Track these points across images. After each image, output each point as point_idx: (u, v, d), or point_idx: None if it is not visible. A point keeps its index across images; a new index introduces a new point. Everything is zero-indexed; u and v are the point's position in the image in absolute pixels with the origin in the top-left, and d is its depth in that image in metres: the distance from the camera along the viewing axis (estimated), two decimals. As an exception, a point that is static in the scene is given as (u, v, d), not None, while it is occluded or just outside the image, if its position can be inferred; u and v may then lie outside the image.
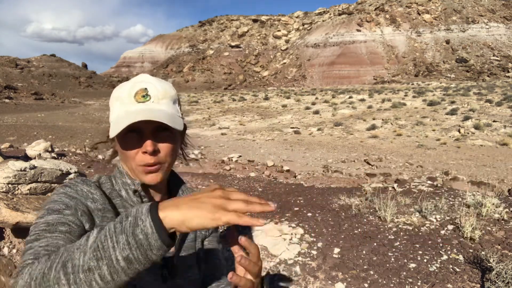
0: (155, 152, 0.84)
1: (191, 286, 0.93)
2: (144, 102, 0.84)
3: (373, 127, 20.55)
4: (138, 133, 0.84)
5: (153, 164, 0.85)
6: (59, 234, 0.73)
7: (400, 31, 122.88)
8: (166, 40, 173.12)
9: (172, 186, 1.02)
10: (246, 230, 3.65)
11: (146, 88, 0.86)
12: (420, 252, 2.98)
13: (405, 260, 2.88)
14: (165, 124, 0.84)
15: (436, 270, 2.70)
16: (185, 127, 0.97)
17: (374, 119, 23.35)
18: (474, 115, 21.60)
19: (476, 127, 18.16)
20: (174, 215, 0.56)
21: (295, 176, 9.15)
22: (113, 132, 0.82)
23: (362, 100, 35.26)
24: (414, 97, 35.04)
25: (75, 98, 58.56)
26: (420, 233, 3.31)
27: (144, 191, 0.91)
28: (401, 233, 3.34)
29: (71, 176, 4.06)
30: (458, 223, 3.35)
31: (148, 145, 0.83)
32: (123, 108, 0.85)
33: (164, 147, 0.86)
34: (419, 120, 21.85)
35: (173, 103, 0.90)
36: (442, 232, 3.28)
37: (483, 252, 2.82)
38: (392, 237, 3.28)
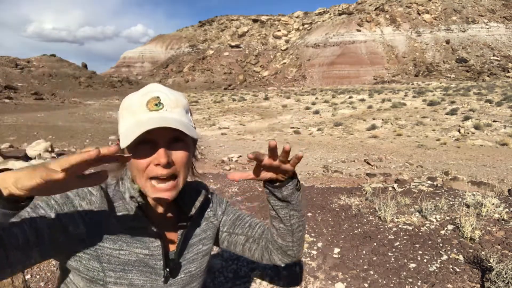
0: (169, 165, 0.81)
1: (191, 278, 0.97)
2: (157, 111, 0.81)
3: (373, 127, 20.56)
4: (151, 144, 0.81)
5: (166, 177, 0.81)
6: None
7: (400, 31, 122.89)
8: (166, 40, 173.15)
9: (182, 194, 0.97)
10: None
11: (158, 97, 0.82)
12: (420, 252, 2.98)
13: (405, 260, 2.88)
14: (180, 134, 0.81)
15: (436, 270, 2.70)
16: (196, 140, 0.94)
17: (374, 119, 23.35)
18: (474, 115, 21.61)
19: (476, 127, 18.17)
20: (7, 177, 0.59)
21: (295, 176, 9.13)
22: (124, 142, 0.78)
23: (362, 100, 35.27)
24: (414, 97, 35.05)
25: (75, 98, 58.57)
26: (420, 233, 3.31)
27: (147, 202, 0.89)
28: (401, 233, 3.34)
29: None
30: (458, 223, 3.35)
31: (162, 156, 0.79)
32: (134, 118, 0.81)
33: (178, 159, 0.83)
34: (419, 120, 21.86)
35: (185, 113, 0.87)
36: (442, 232, 3.28)
37: (483, 252, 2.82)
38: (392, 237, 3.28)
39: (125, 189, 0.88)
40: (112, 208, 0.87)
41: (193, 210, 0.98)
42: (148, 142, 0.80)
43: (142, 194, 0.88)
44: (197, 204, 0.99)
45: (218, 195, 1.15)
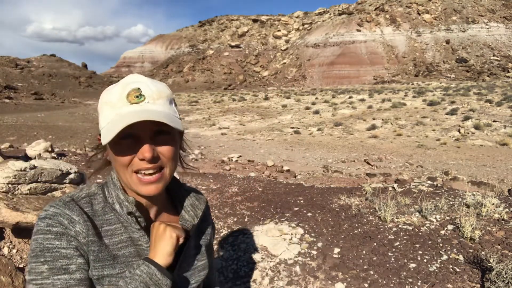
0: (154, 159, 0.77)
1: None
2: (138, 103, 0.76)
3: (373, 127, 20.56)
4: (134, 138, 0.76)
5: (151, 169, 0.77)
6: None
7: (400, 31, 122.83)
8: (166, 40, 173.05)
9: (173, 192, 0.97)
10: (246, 231, 3.65)
11: (139, 88, 0.77)
12: (420, 252, 2.98)
13: (405, 260, 2.88)
14: (164, 127, 0.77)
15: (436, 270, 2.70)
16: (182, 131, 0.89)
17: (374, 119, 23.35)
18: (474, 115, 21.61)
19: (476, 127, 18.17)
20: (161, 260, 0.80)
21: (295, 176, 9.15)
22: (105, 139, 0.73)
23: (362, 100, 35.25)
24: (414, 97, 35.02)
25: (75, 98, 58.56)
26: (420, 233, 3.31)
27: (139, 207, 0.84)
28: (401, 233, 3.34)
29: (71, 176, 4.05)
30: (458, 223, 3.35)
31: (146, 150, 0.75)
32: (114, 112, 0.76)
33: (164, 152, 0.79)
34: (419, 120, 21.86)
35: (169, 104, 0.82)
36: (442, 232, 3.28)
37: (483, 252, 2.82)
38: (392, 237, 3.28)
39: (113, 199, 0.83)
40: (102, 227, 0.81)
41: (196, 220, 0.94)
42: (131, 136, 0.76)
43: (139, 208, 0.84)
44: (199, 212, 0.95)
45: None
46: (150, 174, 0.79)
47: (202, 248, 0.99)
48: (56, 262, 0.73)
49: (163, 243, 0.79)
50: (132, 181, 0.79)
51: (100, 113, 0.80)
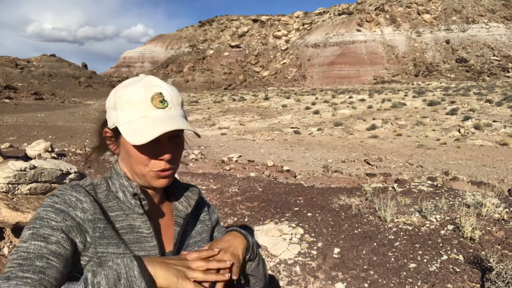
0: (171, 160, 0.86)
1: None
2: (163, 108, 0.83)
3: (373, 127, 20.56)
4: (154, 140, 0.82)
5: (168, 169, 0.86)
6: (32, 274, 0.68)
7: (400, 31, 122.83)
8: (166, 40, 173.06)
9: (168, 186, 1.01)
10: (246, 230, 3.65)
11: (161, 93, 0.83)
12: (420, 252, 2.98)
13: (405, 260, 2.88)
14: (179, 132, 0.87)
15: (436, 270, 2.70)
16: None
17: (374, 119, 23.35)
18: (474, 115, 21.61)
19: (476, 127, 18.17)
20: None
21: (295, 176, 9.14)
22: (138, 139, 0.79)
23: (362, 100, 35.25)
24: (414, 97, 35.03)
25: (75, 98, 58.56)
26: (420, 233, 3.31)
27: (143, 193, 0.89)
28: (401, 233, 3.34)
29: (71, 176, 4.05)
30: (458, 223, 3.35)
31: (168, 153, 0.84)
32: (139, 113, 0.82)
33: (176, 154, 0.88)
34: (419, 120, 21.86)
35: (182, 108, 0.90)
36: (442, 232, 3.28)
37: (483, 252, 2.82)
38: (392, 237, 3.28)
39: (116, 188, 0.89)
40: (106, 211, 0.85)
41: (189, 209, 0.99)
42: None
43: (143, 190, 0.89)
44: (192, 202, 1.00)
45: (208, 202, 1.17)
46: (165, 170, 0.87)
47: (202, 236, 1.03)
48: (41, 229, 0.74)
49: (167, 274, 0.71)
50: (148, 175, 0.86)
51: (119, 109, 0.84)
